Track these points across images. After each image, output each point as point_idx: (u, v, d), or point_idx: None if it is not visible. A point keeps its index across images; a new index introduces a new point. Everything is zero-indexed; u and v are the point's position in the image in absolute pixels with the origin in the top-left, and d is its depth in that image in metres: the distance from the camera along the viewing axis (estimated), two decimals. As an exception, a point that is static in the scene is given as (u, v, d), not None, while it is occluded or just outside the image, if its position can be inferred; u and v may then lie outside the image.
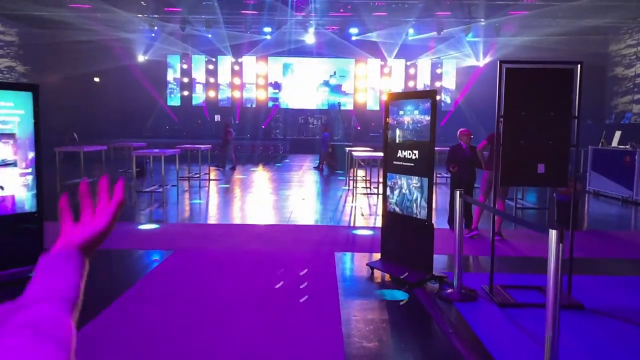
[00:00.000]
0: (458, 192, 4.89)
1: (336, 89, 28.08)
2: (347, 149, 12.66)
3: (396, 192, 5.50)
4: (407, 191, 5.31)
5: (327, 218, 8.92)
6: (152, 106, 27.15)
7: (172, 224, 8.36)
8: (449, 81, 28.48)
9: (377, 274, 5.49)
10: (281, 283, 5.05)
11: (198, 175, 12.89)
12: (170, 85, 28.21)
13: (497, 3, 21.95)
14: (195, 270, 5.60)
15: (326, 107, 27.71)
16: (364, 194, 11.33)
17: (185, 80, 28.17)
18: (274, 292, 4.84)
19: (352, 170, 12.26)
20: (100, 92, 26.60)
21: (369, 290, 5.05)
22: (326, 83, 28.03)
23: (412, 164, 5.27)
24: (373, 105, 28.22)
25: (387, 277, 5.39)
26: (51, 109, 25.73)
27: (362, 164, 12.31)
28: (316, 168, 16.81)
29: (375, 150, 12.54)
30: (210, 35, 24.96)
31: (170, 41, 25.75)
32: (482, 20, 23.51)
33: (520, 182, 6.10)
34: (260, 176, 15.46)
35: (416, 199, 5.21)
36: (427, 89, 28.25)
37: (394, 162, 5.53)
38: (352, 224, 8.50)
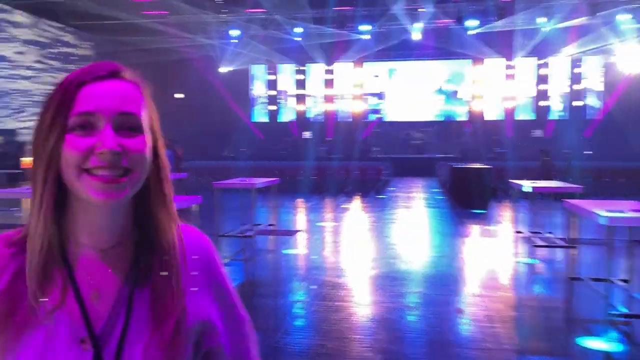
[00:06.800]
0: None
1: (451, 97, 21.47)
2: (522, 183, 6.17)
3: None
4: None
5: None
6: (234, 124, 22.18)
7: None
8: (595, 82, 20.76)
9: None
10: None
11: (251, 233, 7.00)
12: (259, 99, 23.14)
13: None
14: None
15: (442, 119, 21.21)
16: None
17: (272, 92, 22.93)
18: None
19: (515, 216, 5.85)
20: (178, 109, 22.09)
21: None
22: (440, 90, 21.50)
23: None
24: (493, 114, 21.27)
25: None
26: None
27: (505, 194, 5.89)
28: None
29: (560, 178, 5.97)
30: (300, 39, 19.48)
31: (252, 47, 20.61)
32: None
33: None
34: (355, 222, 9.40)
35: None
36: (567, 94, 20.81)
37: None
38: None
